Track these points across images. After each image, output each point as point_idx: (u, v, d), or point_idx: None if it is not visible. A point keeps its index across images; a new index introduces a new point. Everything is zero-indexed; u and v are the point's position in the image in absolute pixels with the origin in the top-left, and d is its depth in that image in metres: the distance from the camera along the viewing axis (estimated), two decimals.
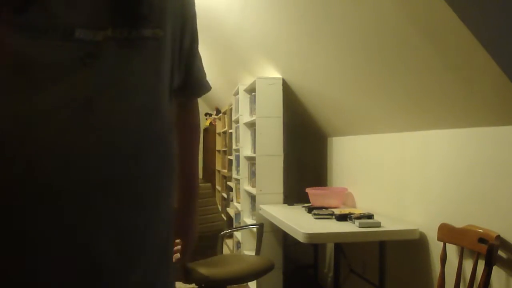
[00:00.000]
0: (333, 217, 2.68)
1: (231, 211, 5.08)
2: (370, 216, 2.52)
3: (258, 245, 3.29)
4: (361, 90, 2.68)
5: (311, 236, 2.31)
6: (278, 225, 2.89)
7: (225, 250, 4.16)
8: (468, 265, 2.03)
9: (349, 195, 3.34)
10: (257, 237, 3.33)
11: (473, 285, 1.93)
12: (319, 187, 3.60)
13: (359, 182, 3.23)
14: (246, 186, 3.98)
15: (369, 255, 2.86)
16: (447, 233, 2.12)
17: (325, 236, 2.44)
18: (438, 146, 2.28)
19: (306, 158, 4.16)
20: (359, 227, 2.37)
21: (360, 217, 2.50)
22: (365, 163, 3.11)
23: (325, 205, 3.14)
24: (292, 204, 3.42)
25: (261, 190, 3.52)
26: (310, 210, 2.97)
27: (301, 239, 2.32)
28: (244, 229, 3.84)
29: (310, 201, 3.33)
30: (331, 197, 3.26)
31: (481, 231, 1.91)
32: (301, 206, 3.28)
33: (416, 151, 2.48)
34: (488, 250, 1.79)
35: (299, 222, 2.59)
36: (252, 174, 3.79)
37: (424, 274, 2.39)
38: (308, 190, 3.36)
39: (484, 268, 1.81)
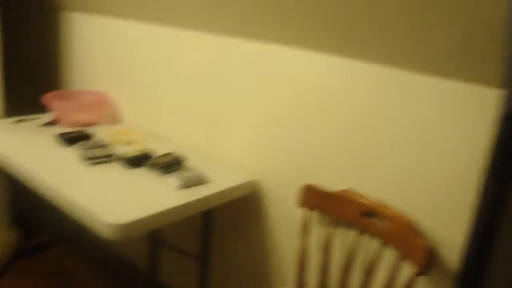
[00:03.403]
0: (112, 160, 1.71)
1: None
2: (177, 161, 1.67)
3: None
4: None
5: (124, 227, 1.26)
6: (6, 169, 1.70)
7: None
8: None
9: (106, 103, 2.33)
10: None
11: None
12: (60, 92, 2.36)
13: (124, 84, 2.25)
14: None
15: (187, 223, 2.05)
16: (313, 198, 1.51)
17: (139, 223, 1.30)
18: (298, 66, 1.56)
19: (27, 43, 2.77)
20: (181, 187, 1.51)
21: (168, 165, 1.64)
22: (135, 54, 2.13)
23: (75, 122, 2.12)
24: (20, 121, 2.17)
25: None
26: (67, 139, 1.86)
27: (104, 233, 1.29)
28: None
29: (52, 114, 2.18)
30: (85, 110, 2.17)
31: (366, 202, 1.38)
32: (37, 123, 2.11)
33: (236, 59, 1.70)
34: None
35: (66, 180, 1.53)
36: None
37: (261, 238, 1.80)
38: (48, 99, 2.15)
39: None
